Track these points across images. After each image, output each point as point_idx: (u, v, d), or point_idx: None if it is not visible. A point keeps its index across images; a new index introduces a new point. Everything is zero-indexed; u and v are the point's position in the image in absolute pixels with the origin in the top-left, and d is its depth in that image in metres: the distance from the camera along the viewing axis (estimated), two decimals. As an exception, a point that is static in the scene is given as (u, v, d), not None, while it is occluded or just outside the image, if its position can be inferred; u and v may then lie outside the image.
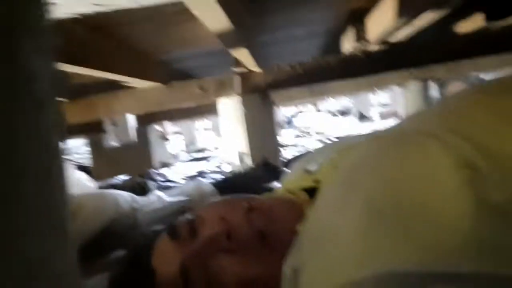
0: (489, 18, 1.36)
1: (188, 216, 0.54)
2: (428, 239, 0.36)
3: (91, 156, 2.78)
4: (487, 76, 3.50)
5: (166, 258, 0.49)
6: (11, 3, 0.12)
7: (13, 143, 0.11)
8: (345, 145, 0.68)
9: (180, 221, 0.53)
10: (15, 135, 0.11)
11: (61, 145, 0.14)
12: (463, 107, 0.51)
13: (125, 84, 1.63)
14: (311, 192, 0.56)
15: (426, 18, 1.15)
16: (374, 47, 1.56)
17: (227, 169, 2.19)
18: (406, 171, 0.42)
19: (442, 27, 1.59)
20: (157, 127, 3.31)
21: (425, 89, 2.90)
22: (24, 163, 0.11)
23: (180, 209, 1.22)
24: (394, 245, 0.37)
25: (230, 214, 0.50)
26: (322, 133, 4.15)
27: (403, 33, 1.35)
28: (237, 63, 1.55)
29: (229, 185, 1.46)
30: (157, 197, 1.30)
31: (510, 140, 0.41)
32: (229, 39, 1.04)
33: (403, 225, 0.37)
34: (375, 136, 0.59)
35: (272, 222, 0.51)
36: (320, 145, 0.90)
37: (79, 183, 1.49)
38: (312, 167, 0.66)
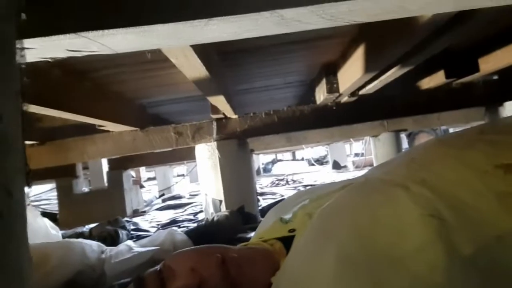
0: (449, 75, 1.47)
1: (157, 267, 0.51)
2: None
3: (58, 202, 2.65)
4: (453, 128, 3.70)
5: None
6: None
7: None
8: (317, 193, 0.69)
9: (148, 274, 0.51)
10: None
11: (23, 189, 0.14)
12: (429, 159, 0.53)
13: (100, 127, 1.61)
14: (286, 241, 0.55)
15: (392, 74, 1.23)
16: (345, 99, 1.64)
17: (201, 216, 2.14)
18: (376, 222, 0.42)
19: (407, 82, 1.70)
20: (131, 172, 3.24)
21: (396, 140, 3.01)
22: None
23: (151, 259, 1.17)
24: None
25: (201, 265, 0.49)
26: (299, 181, 4.17)
27: (372, 87, 1.43)
28: (214, 109, 1.58)
29: (203, 233, 1.42)
30: (127, 247, 1.24)
31: (473, 189, 0.43)
32: (206, 87, 1.07)
33: (375, 276, 0.37)
34: (347, 186, 0.60)
35: (245, 274, 0.49)
36: (294, 193, 0.90)
37: (43, 231, 1.41)
38: (286, 215, 0.65)
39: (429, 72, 1.62)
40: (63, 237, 1.59)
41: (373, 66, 1.11)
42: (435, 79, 1.60)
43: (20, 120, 0.15)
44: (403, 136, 3.26)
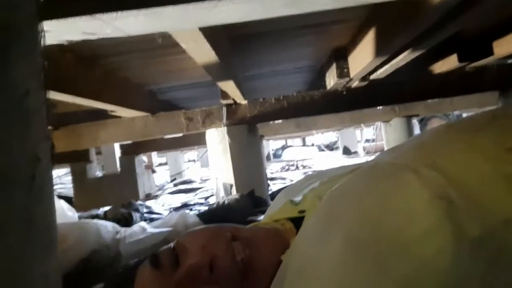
0: (462, 59, 1.45)
1: (171, 245, 0.53)
2: (407, 274, 0.37)
3: (73, 185, 2.72)
4: (466, 114, 3.63)
5: None
6: (8, 28, 0.14)
7: (2, 153, 0.12)
8: (327, 176, 0.69)
9: (162, 250, 0.53)
10: (5, 145, 0.12)
11: (49, 157, 0.15)
12: (439, 143, 0.53)
13: (112, 113, 1.64)
14: (296, 222, 0.56)
15: (404, 58, 1.22)
16: (356, 84, 1.63)
17: (212, 200, 2.17)
18: (385, 205, 0.43)
19: (419, 67, 1.68)
20: (143, 158, 3.29)
21: (408, 125, 2.98)
22: (9, 169, 0.12)
23: (164, 240, 1.20)
24: (373, 279, 0.37)
25: (212, 243, 0.50)
26: (309, 167, 4.17)
27: (383, 71, 1.42)
28: (224, 95, 1.58)
29: (214, 216, 1.45)
30: (141, 228, 1.28)
31: (482, 174, 0.43)
32: (216, 72, 1.07)
33: (382, 260, 0.38)
34: (356, 169, 0.60)
35: (255, 252, 0.50)
36: (304, 176, 0.91)
37: (60, 212, 1.45)
38: (296, 197, 0.66)
39: (441, 56, 1.59)
40: (79, 219, 1.64)
41: (384, 50, 1.10)
42: (448, 63, 1.58)
43: (44, 96, 0.16)
44: (415, 121, 3.22)
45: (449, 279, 0.36)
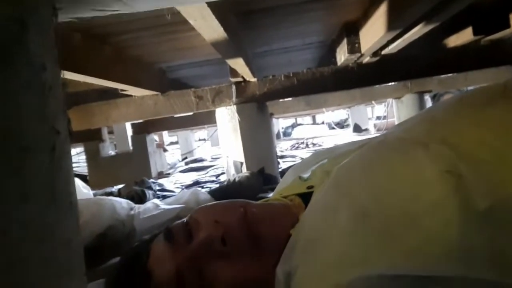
0: (477, 32, 1.40)
1: (184, 219, 0.55)
2: (415, 245, 0.37)
3: (87, 164, 2.78)
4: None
5: (162, 261, 0.50)
6: (24, 2, 0.14)
7: (22, 123, 0.13)
8: (336, 153, 0.69)
9: (176, 225, 0.54)
10: (24, 116, 0.13)
11: (67, 130, 0.16)
12: (450, 117, 0.52)
13: (123, 92, 1.65)
14: (305, 197, 0.57)
15: (417, 32, 1.19)
16: (367, 59, 1.60)
17: (223, 178, 2.20)
18: (393, 178, 0.43)
19: (432, 41, 1.63)
20: (154, 137, 3.32)
21: (421, 102, 2.93)
22: (31, 141, 0.13)
23: (176, 216, 1.23)
24: (381, 250, 0.38)
25: (224, 217, 0.51)
26: (319, 144, 4.17)
27: (395, 46, 1.39)
28: (233, 72, 1.58)
29: (225, 193, 1.47)
30: (154, 205, 1.30)
31: (493, 149, 0.43)
32: (224, 49, 1.07)
33: (389, 231, 0.39)
34: (365, 144, 0.60)
35: (266, 226, 0.51)
36: (313, 152, 0.91)
37: (76, 189, 1.49)
38: (305, 174, 0.67)
39: (456, 29, 1.55)
40: (94, 196, 1.69)
41: (396, 23, 1.07)
42: (463, 37, 1.53)
43: (58, 72, 0.17)
44: (427, 98, 3.16)
45: (456, 250, 0.37)
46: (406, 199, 0.40)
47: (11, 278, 0.10)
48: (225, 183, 1.65)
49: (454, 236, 0.37)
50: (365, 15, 1.29)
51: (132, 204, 1.29)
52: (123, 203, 1.23)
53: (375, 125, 5.10)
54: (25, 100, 0.12)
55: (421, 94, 2.89)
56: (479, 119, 0.47)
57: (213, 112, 1.88)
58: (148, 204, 1.30)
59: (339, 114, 7.35)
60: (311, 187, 0.60)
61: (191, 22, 0.77)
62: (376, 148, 0.54)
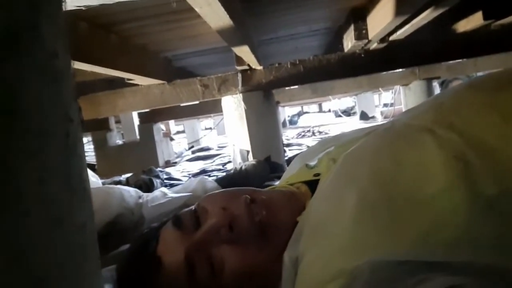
0: (487, 17, 1.37)
1: (192, 207, 0.55)
2: (421, 231, 0.37)
3: (95, 153, 2.81)
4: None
5: (171, 247, 0.51)
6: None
7: (38, 109, 0.13)
8: (343, 140, 0.69)
9: (184, 212, 0.55)
10: (40, 102, 0.13)
11: (78, 117, 0.16)
12: (457, 103, 0.51)
13: (129, 81, 1.66)
14: (311, 185, 0.57)
15: (425, 17, 1.17)
16: (374, 46, 1.58)
17: (230, 166, 2.21)
18: (399, 166, 0.43)
19: (441, 26, 1.60)
20: (161, 126, 3.34)
21: (429, 89, 2.90)
22: (47, 126, 0.13)
23: (184, 204, 1.24)
24: (388, 235, 0.38)
25: (231, 204, 0.52)
26: (325, 132, 4.16)
27: (403, 32, 1.36)
28: (239, 60, 1.57)
29: (231, 181, 1.48)
30: (162, 193, 1.32)
31: (502, 134, 0.43)
32: (230, 36, 1.06)
33: (396, 217, 0.39)
34: (372, 131, 0.60)
35: (273, 213, 0.52)
36: (319, 140, 0.90)
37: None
38: (312, 162, 0.67)
39: (465, 14, 1.51)
40: (103, 185, 1.71)
41: (405, 8, 1.05)
42: (472, 21, 1.50)
43: (69, 59, 0.17)
44: (435, 84, 3.12)
45: (464, 236, 0.37)
46: (413, 185, 0.40)
47: (33, 259, 0.11)
48: (232, 171, 1.66)
49: (462, 222, 0.37)
50: (373, 0, 1.27)
51: (140, 192, 1.30)
52: (131, 191, 1.25)
53: (382, 113, 5.06)
54: (39, 86, 0.13)
55: (429, 80, 2.86)
56: (489, 104, 0.47)
57: (219, 101, 1.88)
58: (156, 193, 1.32)
59: (346, 101, 7.30)
60: (318, 174, 0.60)
61: (197, 9, 0.77)
62: (383, 135, 0.54)
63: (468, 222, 0.37)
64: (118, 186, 1.33)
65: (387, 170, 0.43)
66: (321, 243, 0.42)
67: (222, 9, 0.77)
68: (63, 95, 0.15)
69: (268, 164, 1.70)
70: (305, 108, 9.48)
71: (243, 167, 1.60)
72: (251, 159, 1.75)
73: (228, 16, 0.83)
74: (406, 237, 0.38)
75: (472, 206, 0.37)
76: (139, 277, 0.52)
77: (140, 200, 1.24)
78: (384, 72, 2.62)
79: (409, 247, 0.37)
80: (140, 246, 0.55)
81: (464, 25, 1.58)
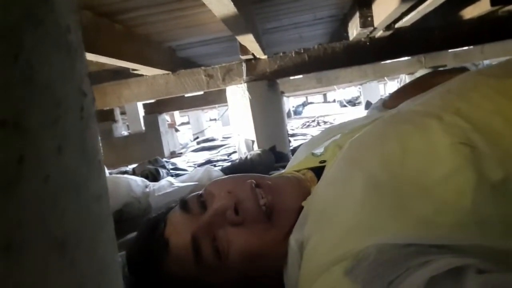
0: (494, 2, 1.35)
1: (198, 192, 0.56)
2: (428, 214, 0.38)
3: (101, 144, 2.83)
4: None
5: (178, 229, 0.52)
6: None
7: (55, 81, 0.13)
8: (349, 128, 0.69)
9: (191, 196, 0.56)
10: (56, 75, 0.13)
11: (91, 93, 0.17)
12: (465, 89, 0.51)
13: (134, 71, 1.66)
14: (317, 171, 0.57)
15: (431, 3, 1.15)
16: (380, 33, 1.56)
17: (235, 156, 2.22)
18: (406, 151, 0.43)
19: (448, 12, 1.58)
20: (166, 117, 3.35)
21: (434, 77, 2.87)
22: (64, 98, 0.14)
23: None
24: (394, 219, 0.38)
25: (237, 188, 0.53)
26: (330, 122, 4.15)
27: (409, 19, 1.35)
28: (243, 49, 1.56)
29: (237, 170, 1.49)
30: (168, 182, 1.33)
31: (509, 119, 0.42)
32: (234, 25, 1.05)
33: (403, 201, 0.39)
34: (379, 118, 0.60)
35: (278, 197, 0.52)
36: (325, 128, 0.90)
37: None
38: (318, 150, 0.67)
39: (472, 0, 1.49)
40: (110, 174, 1.73)
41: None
42: (479, 7, 1.48)
43: (80, 35, 0.17)
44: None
45: (469, 220, 0.37)
46: (419, 169, 0.41)
47: (52, 224, 0.11)
48: (237, 161, 1.67)
49: (467, 206, 0.37)
50: (378, -13, 1.25)
51: (147, 182, 1.31)
52: (138, 181, 1.26)
53: (387, 102, 5.02)
54: (55, 59, 0.13)
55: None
56: (497, 89, 0.47)
57: (223, 91, 1.88)
58: (163, 182, 1.33)
59: (351, 91, 7.25)
60: (324, 161, 0.60)
61: (201, -4, 0.76)
62: (390, 120, 0.54)
63: (475, 205, 0.37)
64: (125, 175, 1.34)
65: (394, 154, 0.44)
66: (327, 226, 0.43)
67: (227, -4, 0.77)
68: (76, 69, 0.15)
69: (273, 153, 1.70)
70: (310, 99, 9.43)
71: (248, 157, 1.61)
72: (256, 149, 1.75)
73: (232, 3, 0.82)
74: (413, 220, 0.38)
75: (479, 189, 0.37)
76: (148, 259, 0.53)
77: (147, 189, 1.25)
78: (390, 61, 2.59)
79: (415, 230, 0.38)
80: (148, 229, 0.56)
81: (471, 11, 1.55)
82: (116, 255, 0.17)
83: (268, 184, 0.55)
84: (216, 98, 2.90)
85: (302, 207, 0.51)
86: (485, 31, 1.61)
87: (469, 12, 1.57)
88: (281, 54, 1.71)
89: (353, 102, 6.94)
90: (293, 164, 0.76)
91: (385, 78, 4.18)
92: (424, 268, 0.33)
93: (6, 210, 0.09)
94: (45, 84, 0.11)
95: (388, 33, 1.54)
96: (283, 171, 1.02)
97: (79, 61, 0.15)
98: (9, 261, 0.09)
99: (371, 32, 1.52)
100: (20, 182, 0.10)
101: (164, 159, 2.22)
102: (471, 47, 2.41)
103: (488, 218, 0.37)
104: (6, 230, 0.09)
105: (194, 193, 0.56)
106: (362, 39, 1.62)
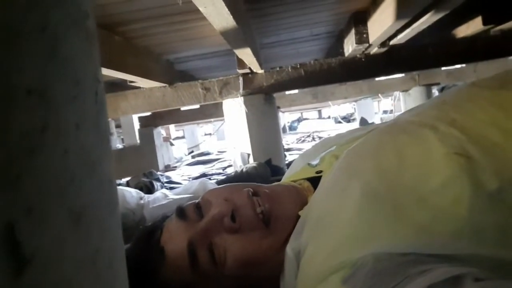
0: (486, 22, 1.39)
1: (195, 200, 0.56)
2: (424, 223, 0.38)
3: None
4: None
5: (175, 237, 0.51)
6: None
7: (74, 62, 0.13)
8: (345, 139, 0.70)
9: (187, 204, 0.56)
10: (75, 57, 0.14)
11: (102, 77, 0.17)
12: (460, 100, 0.52)
13: (131, 83, 1.67)
14: (314, 181, 0.58)
15: (425, 21, 1.18)
16: (375, 50, 1.59)
17: (230, 170, 2.21)
18: (402, 160, 0.43)
19: (441, 31, 1.62)
20: (161, 130, 3.35)
21: (428, 95, 2.91)
22: (81, 78, 0.14)
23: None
24: (391, 228, 0.38)
25: (234, 196, 0.52)
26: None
27: (403, 36, 1.38)
28: (240, 63, 1.58)
29: (232, 182, 1.48)
30: (163, 195, 1.32)
31: (503, 130, 0.43)
32: (233, 38, 1.07)
33: (399, 210, 0.39)
34: (375, 128, 0.60)
35: (275, 205, 0.52)
36: (321, 139, 0.91)
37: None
38: (314, 161, 0.68)
39: (465, 19, 1.53)
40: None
41: (405, 11, 1.07)
42: (472, 26, 1.52)
43: (95, 23, 0.18)
44: (435, 91, 3.14)
45: (465, 228, 0.37)
46: (415, 179, 0.41)
47: (69, 198, 0.11)
48: (233, 173, 1.66)
49: (464, 214, 0.37)
50: (374, 4, 1.29)
51: (141, 193, 1.30)
52: (133, 192, 1.25)
53: (381, 119, 5.07)
54: (76, 40, 0.13)
55: (428, 86, 2.87)
56: (491, 101, 0.47)
57: (219, 105, 1.89)
58: (157, 194, 1.32)
59: (346, 108, 7.32)
60: (320, 171, 0.60)
61: (201, 9, 0.78)
62: (386, 130, 0.54)
63: (471, 213, 0.37)
64: (120, 187, 1.33)
65: (390, 163, 0.44)
66: (324, 235, 0.43)
67: (226, 9, 0.78)
68: (93, 56, 0.15)
69: (269, 166, 1.70)
70: (305, 115, 9.50)
71: (244, 169, 1.60)
72: (252, 162, 1.75)
73: (231, 16, 0.84)
74: (410, 229, 0.38)
75: (475, 198, 0.38)
76: (144, 267, 0.52)
77: (142, 201, 1.24)
78: (384, 78, 2.63)
79: (412, 238, 0.38)
80: (144, 236, 0.55)
81: (464, 30, 1.60)
82: (122, 245, 0.17)
83: (266, 192, 0.55)
84: (212, 111, 2.92)
85: (299, 216, 0.51)
86: (478, 50, 1.65)
87: (463, 31, 1.61)
88: (278, 68, 1.74)
89: (347, 119, 7.00)
90: (290, 175, 0.76)
91: (380, 95, 4.24)
92: (422, 277, 0.33)
93: (28, 176, 0.10)
94: (68, 58, 0.12)
95: (383, 49, 1.57)
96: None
97: (95, 49, 0.16)
98: (31, 223, 0.09)
99: (366, 49, 1.55)
100: (42, 151, 0.10)
101: (159, 173, 2.20)
102: (464, 65, 2.46)
103: (484, 226, 0.37)
104: (27, 194, 0.10)
105: (191, 201, 0.56)
106: (358, 55, 1.65)
